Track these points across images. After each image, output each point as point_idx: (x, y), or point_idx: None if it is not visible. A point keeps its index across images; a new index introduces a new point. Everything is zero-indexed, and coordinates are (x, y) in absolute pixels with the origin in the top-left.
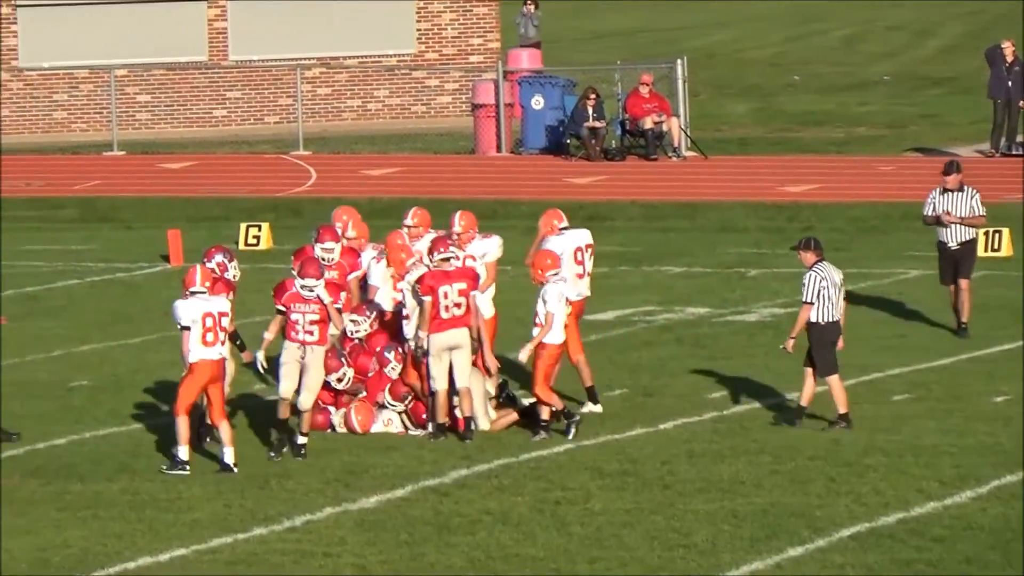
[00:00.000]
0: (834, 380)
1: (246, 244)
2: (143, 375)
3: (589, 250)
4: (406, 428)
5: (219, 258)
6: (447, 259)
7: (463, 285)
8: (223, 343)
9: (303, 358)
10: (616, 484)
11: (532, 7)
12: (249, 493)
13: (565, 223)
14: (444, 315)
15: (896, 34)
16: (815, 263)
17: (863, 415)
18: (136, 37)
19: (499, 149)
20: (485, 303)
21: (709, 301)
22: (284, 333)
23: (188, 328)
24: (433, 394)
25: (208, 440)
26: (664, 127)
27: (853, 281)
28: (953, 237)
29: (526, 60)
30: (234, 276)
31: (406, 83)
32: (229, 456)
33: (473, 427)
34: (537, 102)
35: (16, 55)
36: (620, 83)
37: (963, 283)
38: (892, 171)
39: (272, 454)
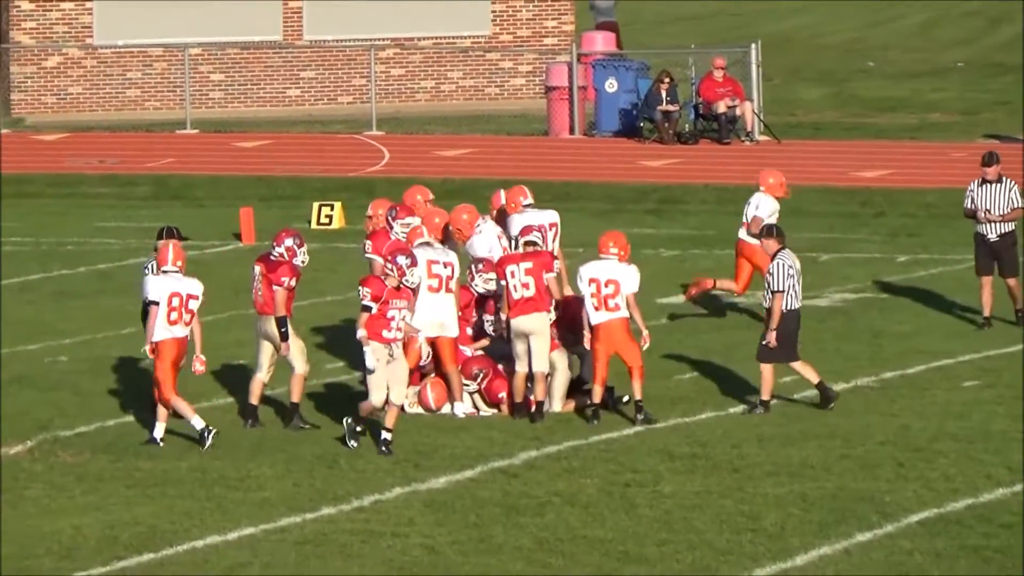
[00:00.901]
0: (799, 366)
1: (319, 223)
2: (212, 353)
3: (553, 229)
4: (477, 409)
5: (289, 242)
6: (531, 243)
7: (529, 265)
8: (187, 324)
9: (391, 356)
10: (686, 467)
11: None
12: (318, 472)
13: (530, 200)
14: (514, 295)
15: (971, 20)
16: (778, 251)
17: (933, 401)
18: (210, 16)
19: (572, 131)
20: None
21: None
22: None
23: (156, 303)
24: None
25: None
26: (737, 111)
27: (924, 267)
28: (992, 229)
29: (600, 43)
30: (302, 262)
31: (480, 65)
32: (199, 423)
33: (545, 410)
34: (611, 85)
35: (91, 32)
36: (694, 67)
37: (1012, 282)
38: (965, 157)
39: (353, 443)
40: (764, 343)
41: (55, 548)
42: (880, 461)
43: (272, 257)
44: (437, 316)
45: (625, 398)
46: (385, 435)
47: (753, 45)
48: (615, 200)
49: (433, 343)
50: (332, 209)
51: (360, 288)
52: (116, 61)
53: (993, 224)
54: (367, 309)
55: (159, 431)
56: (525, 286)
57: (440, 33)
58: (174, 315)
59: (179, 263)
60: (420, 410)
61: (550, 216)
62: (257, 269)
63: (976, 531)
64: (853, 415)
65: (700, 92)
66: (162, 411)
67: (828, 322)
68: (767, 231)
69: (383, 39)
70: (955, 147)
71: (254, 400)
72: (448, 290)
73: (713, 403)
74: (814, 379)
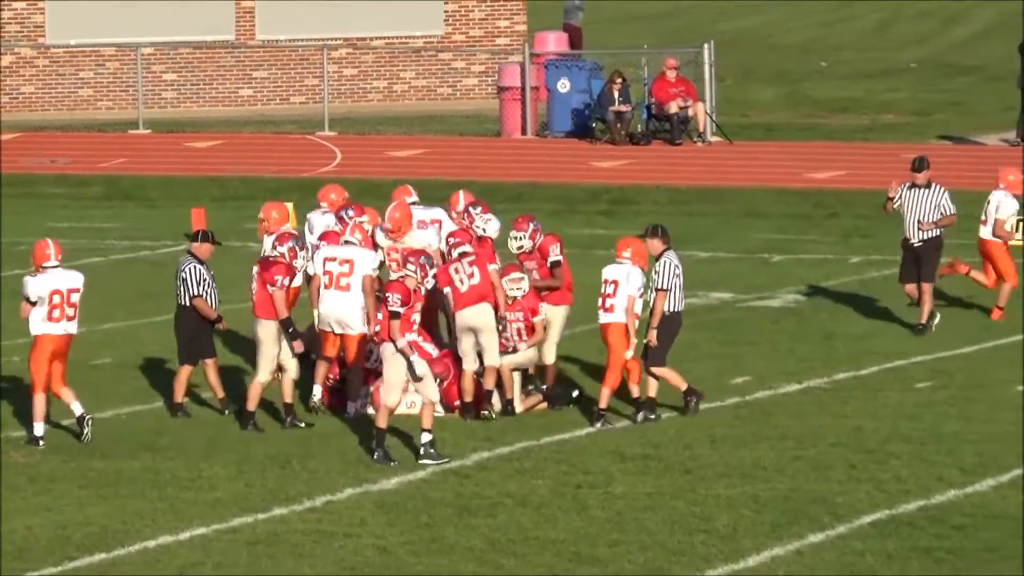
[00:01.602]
0: (664, 372)
1: None
2: (167, 353)
3: (436, 225)
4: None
5: (291, 243)
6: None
7: (472, 257)
8: (71, 319)
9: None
10: (638, 468)
11: None
12: (270, 473)
13: (415, 198)
14: (461, 288)
15: (925, 21)
16: (664, 251)
17: (885, 403)
18: (163, 15)
19: (524, 132)
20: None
21: (733, 286)
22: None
23: (34, 303)
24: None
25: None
26: (690, 112)
27: (877, 268)
28: (916, 233)
29: (552, 43)
30: (302, 265)
31: (432, 65)
32: (78, 408)
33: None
34: (563, 85)
35: (43, 32)
36: (647, 67)
37: (925, 287)
38: None
39: (388, 461)
40: (646, 342)
41: (7, 548)
42: (832, 462)
43: (271, 257)
44: (337, 313)
45: (575, 392)
46: (426, 436)
47: (706, 45)
48: (567, 201)
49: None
50: None
51: (389, 295)
52: (68, 61)
53: (918, 228)
54: (397, 316)
55: (39, 429)
56: (470, 276)
57: (393, 33)
58: (56, 312)
59: (60, 257)
60: (372, 411)
61: (435, 213)
62: (255, 270)
63: (928, 532)
64: (806, 416)
65: (652, 92)
66: (38, 409)
67: (781, 323)
68: (652, 231)
69: (336, 39)
70: (908, 148)
71: (251, 406)
72: (344, 287)
73: (665, 404)
74: (681, 385)
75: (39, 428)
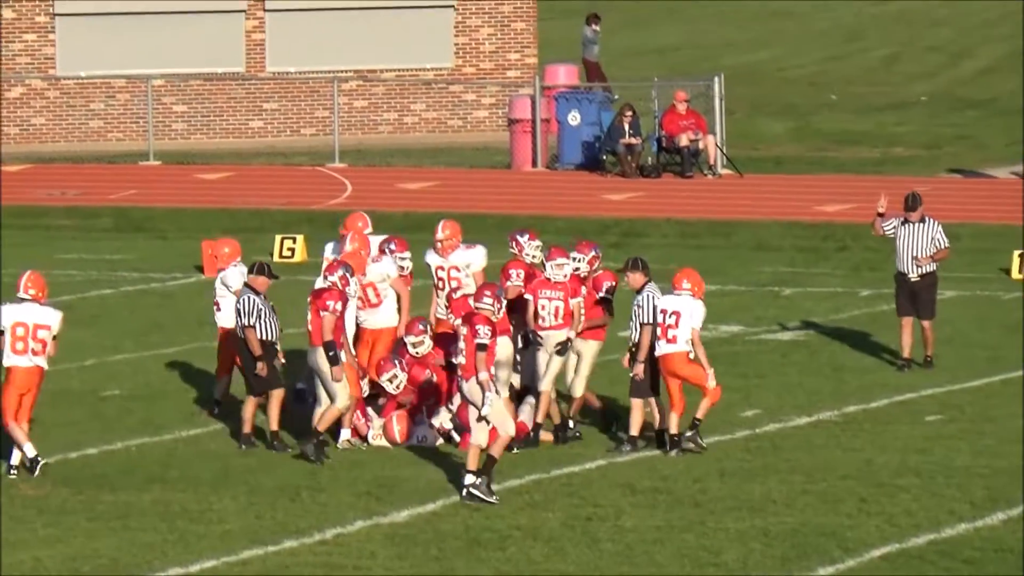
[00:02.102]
0: (638, 404)
1: (280, 256)
2: (175, 385)
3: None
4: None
5: (341, 272)
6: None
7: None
8: (36, 353)
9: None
10: (647, 501)
11: (596, 26)
12: (280, 505)
13: (369, 228)
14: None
15: (934, 55)
16: (645, 284)
17: (895, 436)
18: (173, 47)
19: (535, 164)
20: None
21: (743, 319)
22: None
23: (2, 332)
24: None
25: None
26: (700, 144)
27: (887, 301)
28: (913, 268)
29: (563, 76)
30: (354, 292)
31: (443, 97)
32: (30, 450)
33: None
34: (573, 118)
35: (54, 64)
36: (657, 100)
37: (926, 324)
38: (928, 192)
39: (492, 494)
40: (632, 376)
41: None
42: (842, 496)
43: (327, 287)
44: None
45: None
46: (471, 479)
47: (716, 78)
48: (578, 233)
49: None
50: (295, 242)
51: (479, 327)
52: (79, 92)
53: (913, 263)
54: (484, 348)
55: (29, 451)
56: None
57: (403, 65)
58: (19, 344)
59: (32, 291)
60: (384, 443)
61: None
62: (309, 301)
63: (938, 566)
64: (815, 450)
65: (663, 125)
66: (17, 437)
67: (791, 356)
68: (632, 264)
69: (346, 71)
70: (918, 181)
71: (322, 426)
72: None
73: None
74: (635, 430)
75: (29, 449)
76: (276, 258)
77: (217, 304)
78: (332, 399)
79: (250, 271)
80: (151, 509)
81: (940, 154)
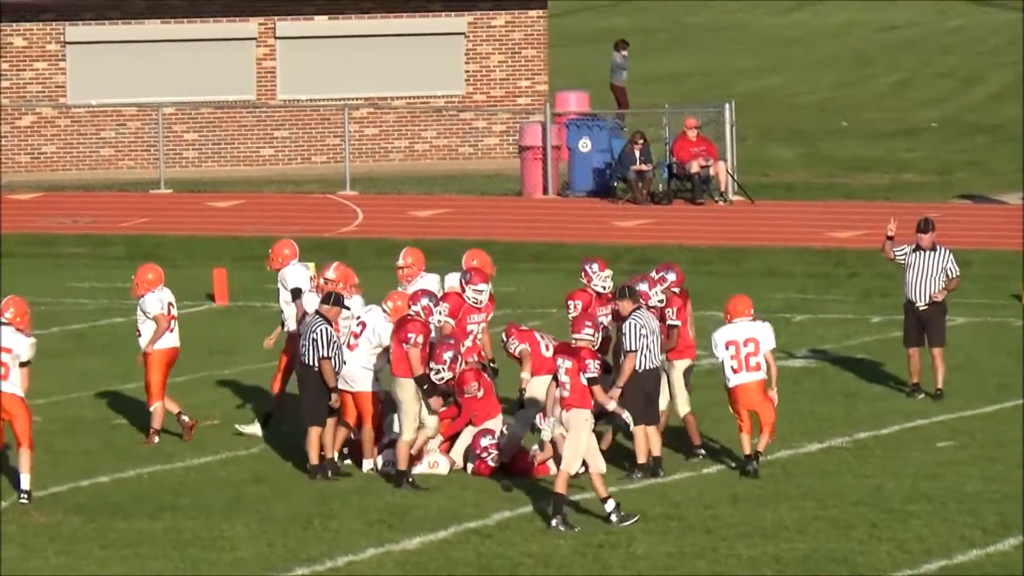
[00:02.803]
0: (640, 432)
1: None
2: (187, 413)
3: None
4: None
5: (424, 301)
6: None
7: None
8: (4, 378)
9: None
10: (659, 528)
11: (624, 52)
12: (292, 533)
13: (296, 256)
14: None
15: (944, 81)
16: (633, 311)
17: (907, 462)
18: (185, 75)
19: (546, 191)
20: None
21: None
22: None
23: None
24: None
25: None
26: (711, 171)
27: (898, 327)
28: (920, 296)
29: (574, 103)
30: (439, 321)
31: (454, 124)
32: (25, 482)
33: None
34: (584, 145)
35: (64, 92)
36: (668, 126)
37: (937, 352)
38: (938, 217)
39: (570, 527)
40: (635, 408)
41: None
42: (854, 522)
43: (408, 316)
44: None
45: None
46: (612, 504)
47: (727, 105)
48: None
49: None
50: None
51: (589, 361)
52: (90, 120)
53: (921, 290)
54: (596, 381)
55: (25, 483)
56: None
57: (414, 92)
58: None
59: (7, 315)
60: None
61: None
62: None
63: None
64: (827, 476)
65: (673, 152)
66: (24, 462)
67: (802, 383)
68: (621, 292)
69: (357, 98)
70: (928, 207)
71: (403, 465)
72: (351, 346)
73: (687, 464)
74: (642, 457)
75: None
76: None
77: (139, 331)
78: (402, 431)
79: (324, 301)
80: (163, 537)
81: (951, 180)
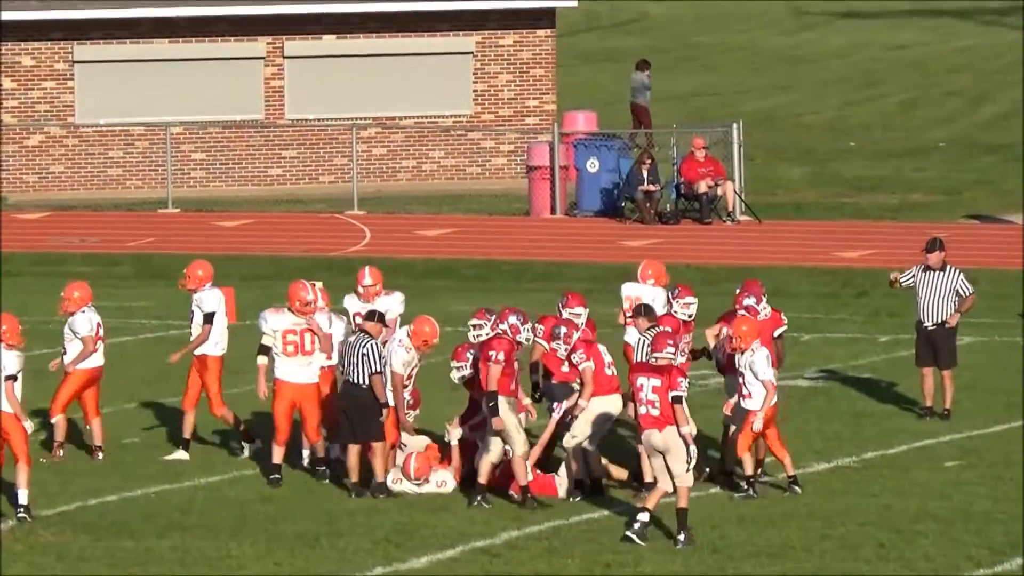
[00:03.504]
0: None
1: None
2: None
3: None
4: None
5: (512, 319)
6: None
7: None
8: None
9: None
10: (666, 547)
11: (647, 72)
12: (299, 552)
13: (210, 279)
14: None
15: (952, 100)
16: (648, 328)
17: (914, 481)
18: (192, 95)
19: (553, 211)
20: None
21: None
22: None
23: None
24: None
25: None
26: (719, 191)
27: (906, 347)
28: (930, 316)
29: (582, 122)
30: (527, 339)
31: (461, 144)
32: (23, 497)
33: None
34: (592, 164)
35: (73, 111)
36: (676, 146)
37: (946, 374)
38: (947, 237)
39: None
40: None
41: None
42: (861, 542)
43: (496, 334)
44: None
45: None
46: (646, 516)
47: (735, 124)
48: (597, 280)
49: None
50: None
51: (680, 380)
52: (98, 140)
53: (931, 310)
54: (680, 400)
55: (23, 498)
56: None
57: (422, 112)
58: None
59: (6, 336)
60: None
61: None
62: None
63: None
64: (834, 495)
65: (681, 172)
66: (21, 477)
67: (809, 402)
68: (637, 311)
69: (365, 118)
70: (937, 227)
71: (483, 479)
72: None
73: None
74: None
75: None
76: None
77: (64, 348)
78: (487, 448)
79: (368, 318)
80: (170, 556)
81: (958, 199)
